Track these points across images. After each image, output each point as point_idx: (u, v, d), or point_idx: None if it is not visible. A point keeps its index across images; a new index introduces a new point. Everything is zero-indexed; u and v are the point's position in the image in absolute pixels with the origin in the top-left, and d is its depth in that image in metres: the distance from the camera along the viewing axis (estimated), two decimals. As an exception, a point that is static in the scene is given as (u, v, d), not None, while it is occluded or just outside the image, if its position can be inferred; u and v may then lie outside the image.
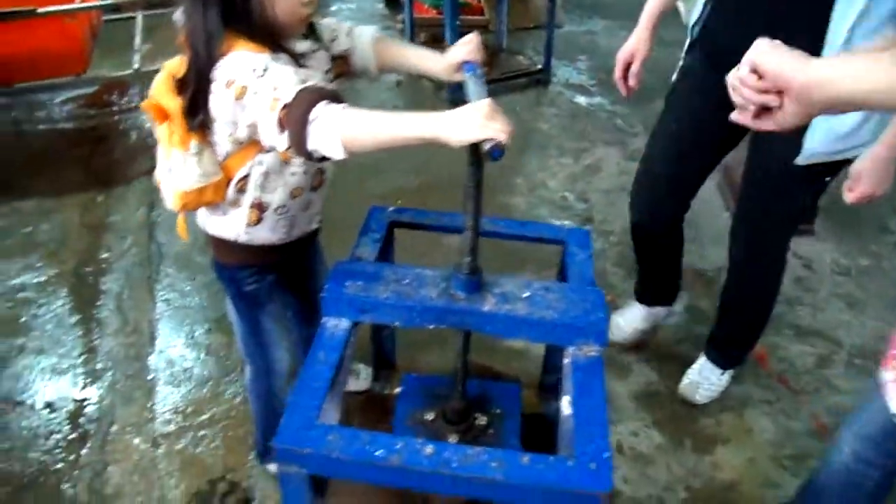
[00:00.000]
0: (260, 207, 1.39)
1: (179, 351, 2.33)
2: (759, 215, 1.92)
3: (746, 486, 1.96)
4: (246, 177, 1.34)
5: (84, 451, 2.00)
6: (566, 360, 1.34)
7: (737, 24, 1.66)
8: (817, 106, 0.89)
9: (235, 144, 1.30)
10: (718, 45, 1.75)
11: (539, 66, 4.14)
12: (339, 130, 1.10)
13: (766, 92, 0.93)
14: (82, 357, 2.31)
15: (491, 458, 1.11)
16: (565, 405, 1.29)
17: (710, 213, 3.17)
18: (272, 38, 1.24)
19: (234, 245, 1.46)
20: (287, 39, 1.28)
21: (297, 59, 1.28)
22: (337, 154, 1.12)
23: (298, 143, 1.13)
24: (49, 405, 2.14)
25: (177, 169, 1.31)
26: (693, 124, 1.91)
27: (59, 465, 1.97)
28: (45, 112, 3.84)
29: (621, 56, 1.90)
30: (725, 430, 2.12)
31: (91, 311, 2.50)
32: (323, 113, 1.10)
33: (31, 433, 2.05)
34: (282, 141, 1.16)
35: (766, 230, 1.94)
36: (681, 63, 1.93)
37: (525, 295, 1.36)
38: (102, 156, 3.46)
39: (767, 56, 0.92)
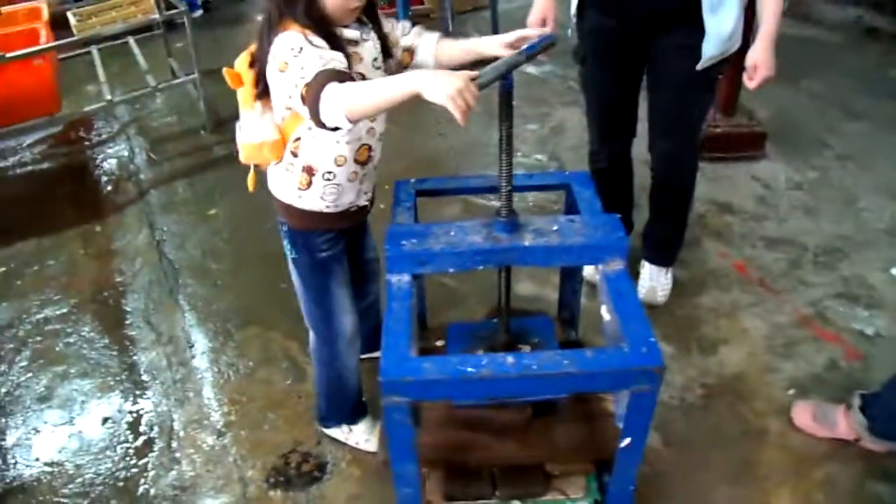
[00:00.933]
0: (310, 171, 1.59)
1: (219, 349, 2.48)
2: (672, 122, 2.24)
3: (751, 375, 2.23)
4: (298, 140, 1.55)
5: (153, 454, 2.15)
6: (598, 277, 1.56)
7: None
8: None
9: (287, 110, 1.51)
10: (607, 5, 2.07)
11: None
12: (342, 104, 1.29)
13: None
14: (125, 372, 2.44)
15: (562, 357, 1.32)
16: (605, 313, 1.52)
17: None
18: (321, 26, 1.42)
19: (304, 212, 1.65)
20: (336, 27, 1.46)
21: (344, 45, 1.45)
22: (342, 123, 1.32)
23: (315, 115, 1.33)
24: (107, 419, 2.27)
25: (244, 125, 1.58)
26: (610, 66, 2.21)
27: (134, 471, 2.10)
28: (17, 157, 3.92)
29: (534, 21, 2.11)
30: (724, 333, 2.40)
31: (121, 331, 2.63)
32: (331, 91, 1.30)
33: (98, 447, 2.18)
34: (305, 112, 1.37)
35: (681, 133, 2.26)
36: (575, 21, 2.22)
37: (554, 228, 1.58)
38: (88, 189, 3.57)
39: None
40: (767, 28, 1.96)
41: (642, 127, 2.37)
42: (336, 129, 1.36)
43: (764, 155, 3.33)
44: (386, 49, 1.61)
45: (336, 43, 1.43)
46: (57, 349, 2.57)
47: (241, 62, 1.54)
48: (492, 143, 3.60)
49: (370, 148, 1.64)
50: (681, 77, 2.09)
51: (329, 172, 1.60)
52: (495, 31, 1.55)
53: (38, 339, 2.62)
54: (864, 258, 2.73)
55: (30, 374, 2.46)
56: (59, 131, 4.06)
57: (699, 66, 2.02)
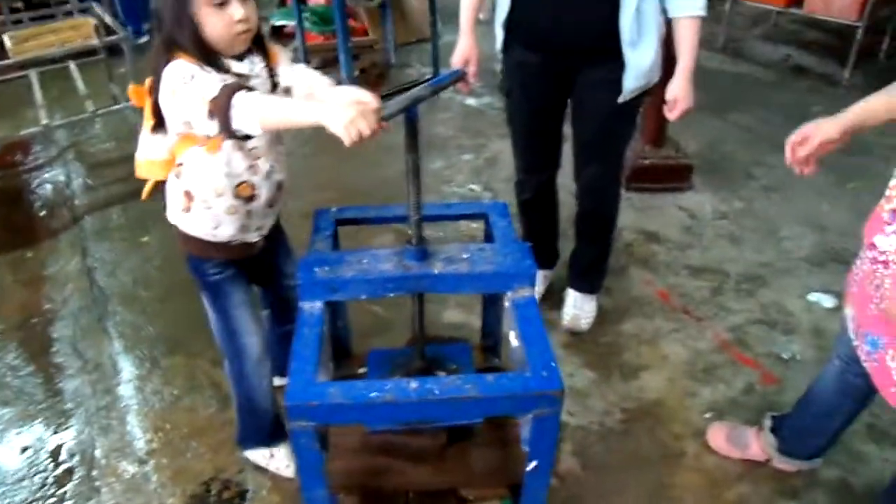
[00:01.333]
0: (189, 196, 1.63)
1: (145, 377, 2.46)
2: (596, 152, 2.32)
3: (670, 400, 2.30)
4: (181, 164, 1.60)
5: (72, 483, 2.11)
6: (507, 304, 1.61)
7: (541, 10, 2.04)
8: None
9: (176, 134, 1.55)
10: (532, 33, 2.13)
11: (428, 77, 4.44)
12: (255, 110, 1.35)
13: None
14: (49, 400, 2.40)
15: (464, 382, 1.36)
16: (513, 338, 1.56)
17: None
18: (207, 55, 1.46)
19: (188, 235, 1.69)
20: (223, 57, 1.49)
21: (230, 75, 1.48)
22: (255, 130, 1.38)
23: (225, 123, 1.37)
24: (26, 448, 2.23)
25: (141, 141, 1.63)
26: (534, 100, 2.28)
27: (51, 500, 2.06)
28: (-51, 180, 3.83)
29: (458, 62, 2.18)
30: (645, 359, 2.46)
31: (47, 358, 2.59)
32: (242, 98, 1.35)
33: (14, 477, 2.14)
34: (212, 126, 1.40)
35: (604, 163, 2.34)
36: (501, 56, 2.29)
37: (465, 256, 1.62)
38: (22, 214, 3.52)
39: None
40: (685, 63, 2.06)
41: (568, 158, 2.44)
42: (247, 137, 1.44)
43: (691, 186, 3.45)
44: (275, 83, 1.62)
45: (227, 74, 1.48)
46: (-22, 377, 2.52)
47: (147, 84, 1.58)
48: (428, 173, 3.67)
49: (253, 186, 1.64)
50: (604, 109, 2.17)
51: (205, 201, 1.63)
52: (435, 64, 1.63)
53: (-40, 366, 2.57)
54: (783, 285, 2.83)
55: (-52, 403, 2.40)
56: (-6, 155, 3.99)
57: (621, 99, 2.10)
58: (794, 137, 1.51)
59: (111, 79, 4.31)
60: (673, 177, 3.42)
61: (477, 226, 2.99)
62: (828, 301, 2.72)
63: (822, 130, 1.47)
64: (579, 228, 2.53)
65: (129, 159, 1.69)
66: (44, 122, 3.66)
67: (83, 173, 3.84)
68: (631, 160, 3.42)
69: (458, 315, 2.66)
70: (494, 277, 1.59)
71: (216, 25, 1.45)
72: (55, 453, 2.20)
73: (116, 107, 3.97)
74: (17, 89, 4.45)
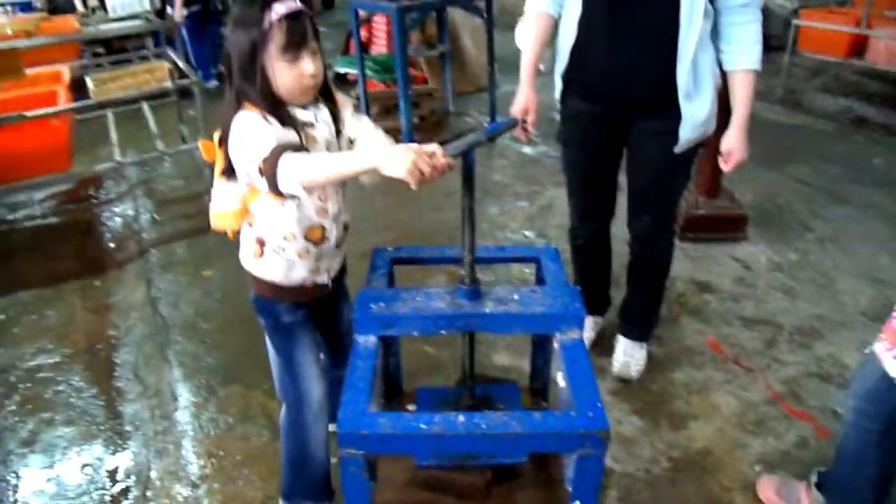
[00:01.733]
0: (261, 243, 1.66)
1: (201, 404, 2.55)
2: (650, 201, 2.34)
3: (719, 450, 2.27)
4: (253, 213, 1.64)
5: (128, 502, 2.19)
6: (555, 345, 1.64)
7: (599, 62, 2.10)
8: None
9: (245, 184, 1.58)
10: (589, 85, 2.18)
11: (486, 124, 4.56)
12: (296, 173, 1.41)
13: None
14: (109, 422, 2.50)
15: (511, 418, 1.39)
16: (560, 380, 1.59)
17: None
18: (275, 106, 1.51)
19: (262, 280, 1.71)
20: (290, 107, 1.54)
21: (297, 126, 1.53)
22: (298, 192, 1.43)
23: (272, 185, 1.44)
24: (86, 466, 2.32)
25: (215, 194, 1.65)
26: (590, 149, 2.33)
27: (107, 519, 2.15)
28: (28, 210, 4.08)
29: (517, 112, 2.20)
30: (695, 408, 2.44)
31: (110, 382, 2.70)
32: (286, 161, 1.41)
33: (74, 493, 2.22)
34: (262, 184, 1.47)
35: (658, 211, 2.36)
36: (559, 106, 2.35)
37: (515, 297, 1.67)
38: (92, 245, 3.71)
39: None
40: (740, 115, 2.09)
41: (622, 207, 2.47)
42: (294, 197, 1.50)
43: (745, 237, 3.43)
44: (339, 129, 1.67)
45: (291, 124, 1.52)
46: (46, 396, 2.64)
47: (216, 137, 1.62)
48: (484, 218, 3.74)
49: (323, 228, 1.66)
50: (658, 160, 2.19)
51: (279, 246, 1.65)
52: (493, 112, 1.70)
53: (29, 385, 2.70)
54: (839, 338, 2.78)
55: (16, 419, 2.52)
56: (70, 188, 4.23)
57: (677, 150, 2.13)
58: None
59: (181, 120, 4.53)
60: (727, 227, 3.41)
61: (529, 271, 3.04)
62: (886, 357, 2.66)
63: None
64: (631, 276, 2.54)
65: (195, 197, 1.80)
66: (117, 158, 3.87)
67: (151, 209, 4.03)
68: (685, 210, 3.43)
69: (507, 358, 2.69)
70: (543, 319, 1.63)
71: (286, 78, 1.50)
72: (113, 472, 2.29)
73: (185, 147, 4.17)
74: (95, 128, 4.73)
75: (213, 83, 5.66)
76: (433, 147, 1.39)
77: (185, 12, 5.32)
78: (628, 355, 2.58)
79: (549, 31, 2.24)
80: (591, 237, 2.54)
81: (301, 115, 1.57)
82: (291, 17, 1.46)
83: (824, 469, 2.00)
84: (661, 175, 2.26)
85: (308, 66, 1.50)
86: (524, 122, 2.17)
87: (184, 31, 5.28)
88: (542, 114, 2.28)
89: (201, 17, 5.61)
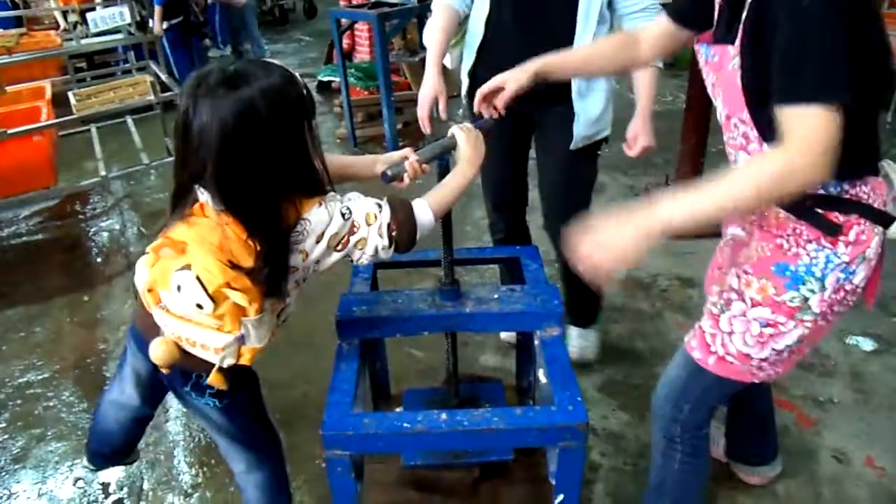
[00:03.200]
0: (250, 352, 1.39)
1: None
2: (560, 196, 2.41)
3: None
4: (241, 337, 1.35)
5: (122, 514, 2.21)
6: (536, 342, 1.67)
7: (503, 64, 2.03)
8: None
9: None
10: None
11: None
12: (434, 215, 1.43)
13: None
14: (101, 436, 2.52)
15: (492, 414, 1.42)
16: (541, 375, 1.62)
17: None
18: (319, 180, 1.33)
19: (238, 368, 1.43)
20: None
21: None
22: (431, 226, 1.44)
23: (409, 239, 1.40)
24: (79, 480, 2.34)
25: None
26: (498, 142, 2.20)
27: (101, 531, 2.17)
28: (13, 228, 4.08)
29: (426, 100, 2.25)
30: (678, 401, 2.47)
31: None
32: (419, 209, 1.40)
33: (68, 508, 2.25)
34: (387, 247, 1.38)
35: (568, 205, 2.36)
36: (465, 102, 2.41)
37: (495, 296, 1.70)
38: (79, 260, 3.72)
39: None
40: (642, 106, 2.19)
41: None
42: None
43: (726, 231, 3.47)
44: None
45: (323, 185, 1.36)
46: (36, 412, 2.65)
47: (221, 278, 1.23)
48: (469, 222, 3.77)
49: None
50: (561, 155, 2.27)
51: (262, 345, 1.40)
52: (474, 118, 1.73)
53: (19, 402, 2.71)
54: (820, 330, 2.82)
55: (7, 436, 2.53)
56: (56, 204, 4.24)
57: (572, 146, 2.22)
58: (486, 88, 1.69)
59: (166, 133, 4.55)
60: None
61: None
62: (867, 344, 2.71)
63: (515, 81, 1.66)
64: (561, 273, 2.60)
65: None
66: (102, 173, 3.88)
67: (138, 222, 4.05)
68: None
69: (494, 359, 2.72)
70: (523, 317, 1.66)
71: (316, 154, 1.33)
72: (106, 485, 2.30)
73: (169, 159, 4.18)
74: (79, 143, 4.75)
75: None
76: (405, 152, 1.43)
77: (165, 25, 5.33)
78: (582, 341, 2.67)
79: (454, 26, 2.30)
80: (509, 228, 2.61)
81: None
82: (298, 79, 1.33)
83: None
84: (565, 167, 2.33)
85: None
86: (493, 122, 2.20)
87: (165, 45, 5.29)
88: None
89: (182, 29, 5.62)
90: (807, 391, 2.51)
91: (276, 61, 1.31)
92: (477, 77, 2.28)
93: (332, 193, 1.35)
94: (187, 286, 1.24)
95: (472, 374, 2.34)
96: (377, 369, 2.29)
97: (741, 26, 1.26)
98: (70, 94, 4.00)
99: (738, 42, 1.28)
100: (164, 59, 4.70)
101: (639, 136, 2.19)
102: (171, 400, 2.61)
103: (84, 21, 4.71)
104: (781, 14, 1.15)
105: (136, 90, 3.99)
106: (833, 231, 1.32)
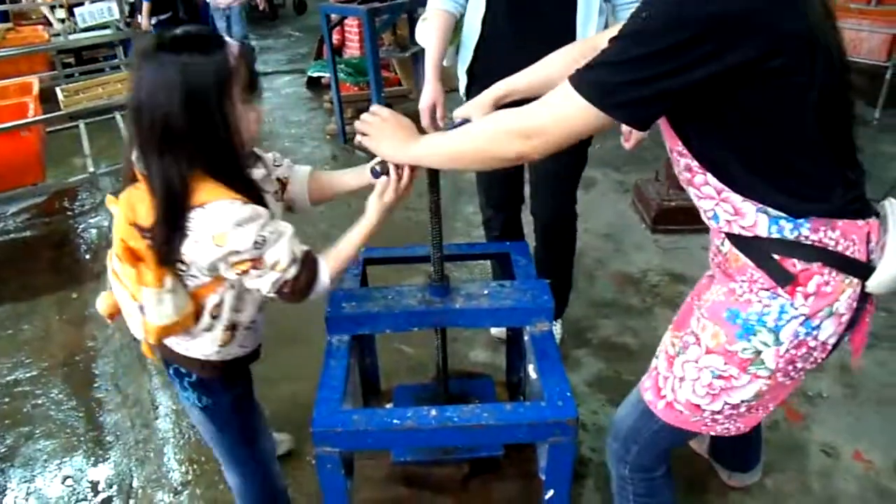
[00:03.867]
0: (233, 328, 1.46)
1: (182, 411, 2.54)
2: (553, 185, 2.41)
3: (692, 437, 2.31)
4: (220, 303, 1.41)
5: (110, 513, 2.20)
6: (526, 337, 1.67)
7: (501, 57, 2.10)
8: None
9: (208, 278, 1.36)
10: (492, 81, 2.19)
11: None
12: (331, 278, 1.41)
13: None
14: (90, 433, 2.50)
15: (482, 410, 1.42)
16: (531, 371, 1.62)
17: (629, 227, 3.60)
18: (238, 167, 1.30)
19: (220, 362, 1.50)
20: (245, 166, 1.35)
21: (258, 191, 1.35)
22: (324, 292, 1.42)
23: (299, 300, 1.38)
24: (68, 478, 2.32)
25: (150, 306, 1.32)
26: None
27: (90, 529, 2.16)
28: (1, 224, 4.05)
29: (425, 107, 2.28)
30: (668, 396, 2.48)
31: (89, 393, 2.70)
32: (321, 281, 1.40)
33: (56, 506, 2.24)
34: (273, 297, 1.37)
35: (558, 196, 2.42)
36: (464, 100, 2.34)
37: (485, 292, 1.69)
38: (68, 257, 3.69)
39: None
40: None
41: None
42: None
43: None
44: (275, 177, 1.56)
45: (254, 191, 1.33)
46: (24, 410, 2.63)
47: (126, 233, 1.31)
48: (459, 218, 3.77)
49: None
50: None
51: (252, 321, 1.51)
52: None
53: (6, 400, 2.69)
54: (809, 325, 2.83)
55: (-6, 435, 2.52)
56: (44, 201, 4.21)
57: None
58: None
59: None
60: (698, 218, 3.42)
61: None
62: (855, 340, 2.72)
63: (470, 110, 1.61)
64: (538, 260, 2.50)
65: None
66: (90, 170, 3.85)
67: (127, 218, 4.01)
68: (657, 202, 3.49)
69: (484, 354, 2.72)
70: (513, 312, 1.66)
71: (246, 125, 1.29)
72: (95, 483, 2.29)
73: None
74: (67, 139, 4.71)
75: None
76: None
77: (153, 21, 5.30)
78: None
79: (450, 30, 2.29)
80: (504, 226, 2.60)
81: (255, 174, 1.40)
82: (246, 50, 1.28)
83: None
84: (561, 162, 2.23)
85: (259, 107, 1.34)
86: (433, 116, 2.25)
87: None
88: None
89: (170, 24, 5.58)
90: (797, 387, 2.51)
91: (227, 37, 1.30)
92: (474, 75, 2.28)
93: (264, 211, 1.31)
94: (115, 229, 1.35)
95: (461, 370, 2.34)
96: (367, 365, 2.29)
97: None
98: (58, 89, 3.97)
99: None
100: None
101: (633, 129, 2.17)
102: (160, 397, 2.62)
103: (72, 16, 4.68)
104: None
105: (124, 86, 3.96)
106: (784, 280, 1.21)
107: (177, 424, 2.50)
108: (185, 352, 1.47)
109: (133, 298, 1.35)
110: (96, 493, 2.25)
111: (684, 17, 1.02)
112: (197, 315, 1.40)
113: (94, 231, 3.92)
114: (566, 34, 2.05)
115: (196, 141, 1.22)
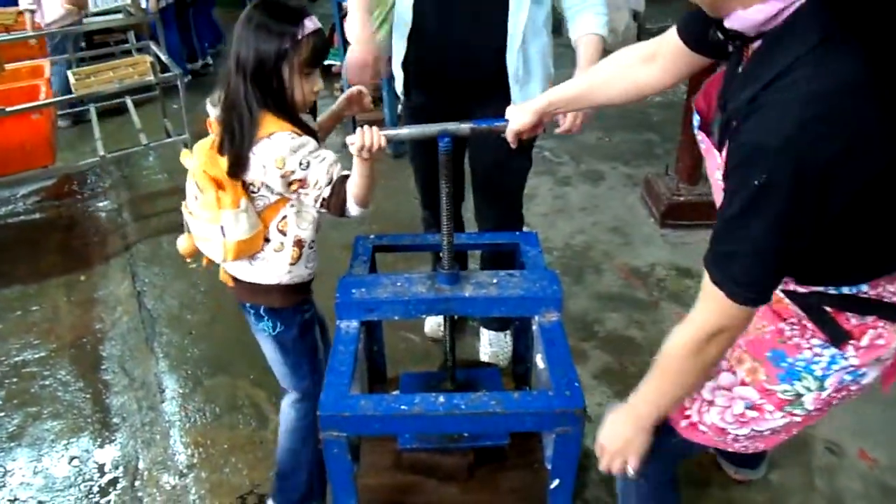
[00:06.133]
0: (300, 244, 1.65)
1: (188, 395, 2.57)
2: (493, 190, 2.34)
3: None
4: (284, 218, 1.63)
5: (116, 492, 2.21)
6: (534, 327, 1.67)
7: (433, 48, 2.08)
8: None
9: (275, 197, 1.60)
10: (426, 72, 2.15)
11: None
12: (361, 203, 1.57)
13: None
14: (97, 415, 2.52)
15: (490, 398, 1.42)
16: (539, 361, 1.62)
17: (638, 221, 3.59)
18: (295, 117, 1.56)
19: (289, 287, 1.69)
20: (299, 115, 1.60)
21: (312, 130, 1.62)
22: (360, 213, 1.60)
23: (339, 215, 1.60)
24: (74, 458, 2.34)
25: (230, 226, 1.56)
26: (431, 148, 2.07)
27: (96, 509, 2.18)
28: (10, 207, 4.06)
29: (357, 66, 2.04)
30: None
31: (97, 375, 2.72)
32: (350, 205, 1.57)
33: (62, 485, 2.25)
34: (321, 211, 1.61)
35: (502, 200, 2.36)
36: (402, 99, 2.34)
37: (494, 281, 1.69)
38: (76, 240, 3.70)
39: None
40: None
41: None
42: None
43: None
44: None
45: (309, 131, 1.59)
46: (32, 391, 2.65)
47: (209, 164, 1.57)
48: (467, 209, 3.75)
49: None
50: (496, 148, 1.99)
51: (313, 241, 1.69)
52: None
53: (15, 380, 2.71)
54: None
55: (2, 414, 2.53)
56: (53, 184, 4.22)
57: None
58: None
59: (165, 114, 4.51)
60: (707, 213, 3.41)
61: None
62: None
63: (517, 121, 1.61)
64: (483, 269, 2.43)
65: (179, 191, 1.78)
66: (100, 153, 3.85)
67: (135, 203, 4.03)
68: (666, 197, 3.47)
69: (490, 344, 2.72)
70: (522, 301, 1.66)
71: (299, 93, 1.54)
72: (101, 464, 2.31)
73: (168, 140, 4.16)
74: (78, 123, 4.72)
75: (188, 78, 5.61)
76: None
77: (163, 4, 5.27)
78: (495, 346, 2.61)
79: None
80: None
81: (312, 124, 1.68)
82: (317, 34, 1.53)
83: None
84: (501, 162, 2.23)
85: (318, 82, 1.58)
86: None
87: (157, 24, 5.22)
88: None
89: (176, 8, 5.56)
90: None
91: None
92: (410, 72, 2.19)
93: (313, 141, 1.56)
94: (189, 179, 1.63)
95: (468, 360, 2.35)
96: (374, 353, 2.29)
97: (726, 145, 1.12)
98: (69, 73, 3.96)
99: (724, 156, 1.13)
100: (164, 39, 4.66)
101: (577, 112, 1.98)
102: (167, 380, 2.64)
103: (84, 0, 4.66)
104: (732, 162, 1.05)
105: (135, 70, 3.95)
106: (839, 339, 1.18)
107: (183, 408, 2.51)
108: (262, 278, 1.67)
109: (212, 222, 1.58)
110: (102, 473, 2.27)
111: (807, 165, 0.96)
112: (266, 238, 1.63)
113: (103, 215, 3.92)
114: (496, 22, 2.00)
115: (261, 88, 1.49)
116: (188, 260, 1.82)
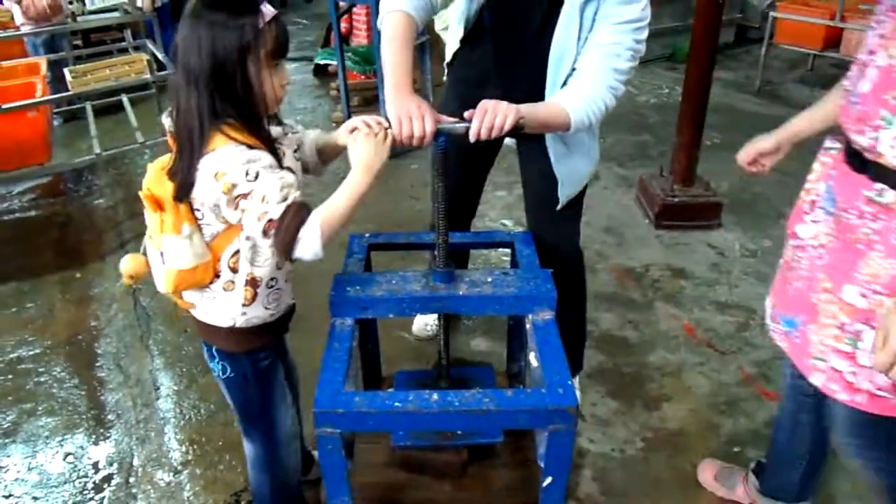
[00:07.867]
0: (254, 284, 1.47)
1: (183, 392, 2.57)
2: (545, 213, 2.11)
3: (691, 430, 2.33)
4: (236, 254, 1.43)
5: (110, 489, 2.21)
6: (528, 325, 1.68)
7: (478, 78, 1.98)
8: None
9: (222, 225, 1.41)
10: (468, 89, 2.02)
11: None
12: (323, 237, 1.33)
13: None
14: (92, 411, 2.52)
15: (483, 395, 1.43)
16: (532, 359, 1.63)
17: (632, 222, 3.61)
18: (257, 118, 1.37)
19: (245, 330, 1.53)
20: (265, 122, 1.42)
21: (274, 144, 1.41)
22: (319, 254, 1.34)
23: (284, 251, 1.34)
24: (69, 455, 2.34)
25: (169, 253, 1.40)
26: (462, 151, 1.92)
27: (90, 504, 2.18)
28: (6, 204, 4.06)
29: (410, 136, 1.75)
30: (668, 390, 2.49)
31: (92, 372, 2.72)
32: (308, 232, 1.32)
33: (56, 481, 2.24)
34: (264, 243, 1.38)
35: (557, 224, 2.13)
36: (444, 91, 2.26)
37: (489, 280, 1.71)
38: (72, 237, 3.70)
39: None
40: (531, 105, 1.69)
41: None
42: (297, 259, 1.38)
43: (720, 224, 3.50)
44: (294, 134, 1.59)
45: (269, 144, 1.40)
46: (27, 387, 2.65)
47: (153, 181, 1.41)
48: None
49: None
50: (547, 201, 2.04)
51: (272, 279, 1.50)
52: None
53: (10, 377, 2.71)
54: (809, 324, 2.84)
55: (-3, 410, 2.54)
56: (49, 181, 4.22)
57: (558, 208, 2.03)
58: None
59: (161, 112, 4.52)
60: (702, 214, 3.47)
61: (507, 258, 3.08)
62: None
63: (758, 144, 1.70)
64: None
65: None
66: (96, 151, 3.85)
67: (131, 200, 4.03)
68: (660, 197, 3.49)
69: (485, 343, 2.73)
70: (516, 300, 1.67)
71: (269, 87, 1.36)
72: (96, 461, 2.31)
73: (164, 138, 4.14)
74: (74, 120, 4.71)
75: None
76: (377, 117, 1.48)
77: (157, 3, 5.27)
78: None
79: (413, 34, 1.73)
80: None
81: (273, 131, 1.46)
82: (277, 19, 1.36)
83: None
84: (552, 216, 2.09)
85: (286, 73, 1.42)
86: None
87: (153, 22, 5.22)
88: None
89: (172, 7, 5.56)
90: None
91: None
92: (458, 75, 2.15)
93: (269, 157, 1.36)
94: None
95: (462, 359, 2.35)
96: (369, 351, 2.30)
97: None
98: (66, 70, 3.96)
99: None
100: (160, 38, 4.66)
101: (488, 109, 1.60)
102: (162, 378, 2.64)
103: (81, -2, 4.67)
104: None
105: (132, 68, 3.96)
106: None
107: (178, 405, 2.52)
108: (214, 319, 1.52)
109: (156, 247, 1.45)
110: (97, 470, 2.27)
111: None
112: (216, 273, 1.46)
113: (98, 212, 3.93)
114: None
115: (219, 93, 1.30)
116: (129, 282, 1.61)
